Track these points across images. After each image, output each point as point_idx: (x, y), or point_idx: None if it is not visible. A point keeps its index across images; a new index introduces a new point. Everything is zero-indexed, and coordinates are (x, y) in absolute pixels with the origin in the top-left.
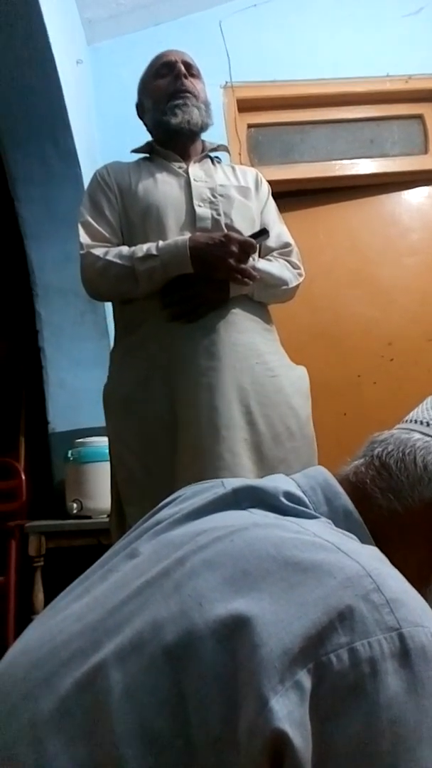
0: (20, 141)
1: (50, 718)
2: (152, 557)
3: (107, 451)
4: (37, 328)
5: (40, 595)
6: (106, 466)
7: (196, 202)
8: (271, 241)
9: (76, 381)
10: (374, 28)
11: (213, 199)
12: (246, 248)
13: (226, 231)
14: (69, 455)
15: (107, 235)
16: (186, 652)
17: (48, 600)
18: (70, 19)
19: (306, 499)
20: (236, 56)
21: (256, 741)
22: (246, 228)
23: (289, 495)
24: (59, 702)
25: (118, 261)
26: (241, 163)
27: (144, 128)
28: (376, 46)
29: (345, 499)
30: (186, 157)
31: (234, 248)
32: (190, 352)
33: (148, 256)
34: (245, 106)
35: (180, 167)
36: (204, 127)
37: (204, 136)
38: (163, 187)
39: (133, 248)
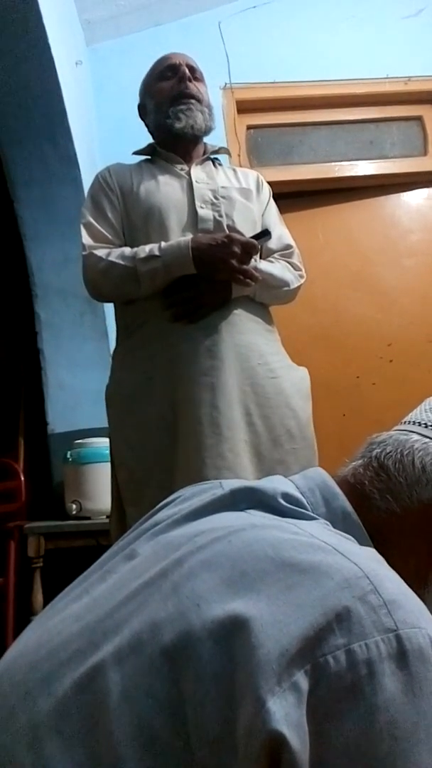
0: (19, 142)
1: (49, 718)
2: (151, 558)
3: (106, 452)
4: (36, 329)
5: (39, 596)
6: (106, 467)
7: (198, 203)
8: (273, 243)
9: (76, 382)
10: (374, 30)
11: (215, 200)
12: (248, 249)
13: (228, 232)
14: (68, 456)
15: (109, 236)
16: (184, 653)
17: (47, 601)
18: (69, 20)
19: (304, 501)
20: (235, 57)
21: (254, 742)
22: (247, 229)
23: (287, 496)
24: (58, 703)
25: (121, 262)
26: (240, 165)
27: (144, 129)
28: (375, 47)
29: (343, 501)
30: (188, 159)
31: (236, 249)
32: (192, 352)
33: (150, 257)
34: (244, 107)
35: (182, 169)
36: (207, 131)
37: (204, 138)
38: (165, 189)
39: (135, 249)
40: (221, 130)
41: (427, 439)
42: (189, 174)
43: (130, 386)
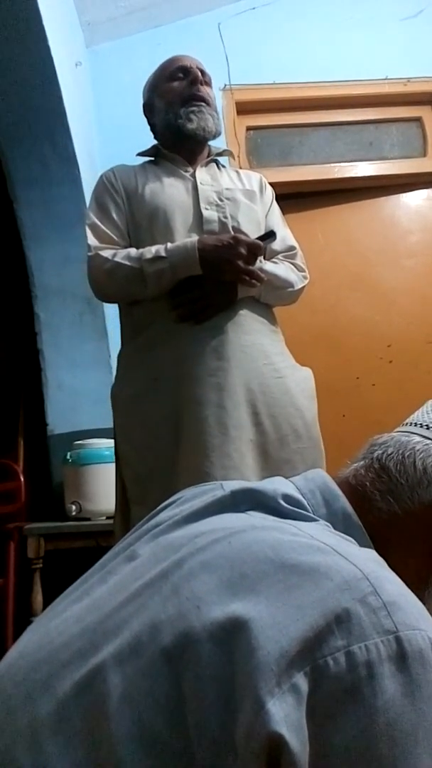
0: (19, 143)
1: (49, 720)
2: (151, 559)
3: (106, 452)
4: (36, 329)
5: (38, 597)
6: (105, 467)
7: (203, 205)
8: (276, 245)
9: (75, 382)
10: (373, 31)
11: (219, 202)
12: (254, 250)
13: (233, 233)
14: (68, 457)
15: (115, 237)
16: (184, 654)
17: (47, 602)
18: (69, 22)
19: (305, 502)
20: (235, 59)
21: (253, 743)
22: (252, 231)
23: (287, 498)
24: (58, 704)
25: (127, 263)
26: (240, 166)
27: (144, 130)
28: (374, 48)
29: (344, 502)
30: (192, 161)
31: (242, 250)
32: (198, 352)
33: (156, 258)
34: (244, 108)
35: (187, 171)
36: (216, 135)
37: None
38: (170, 190)
39: (141, 250)
40: (221, 131)
41: (429, 441)
42: (194, 176)
43: (135, 386)
